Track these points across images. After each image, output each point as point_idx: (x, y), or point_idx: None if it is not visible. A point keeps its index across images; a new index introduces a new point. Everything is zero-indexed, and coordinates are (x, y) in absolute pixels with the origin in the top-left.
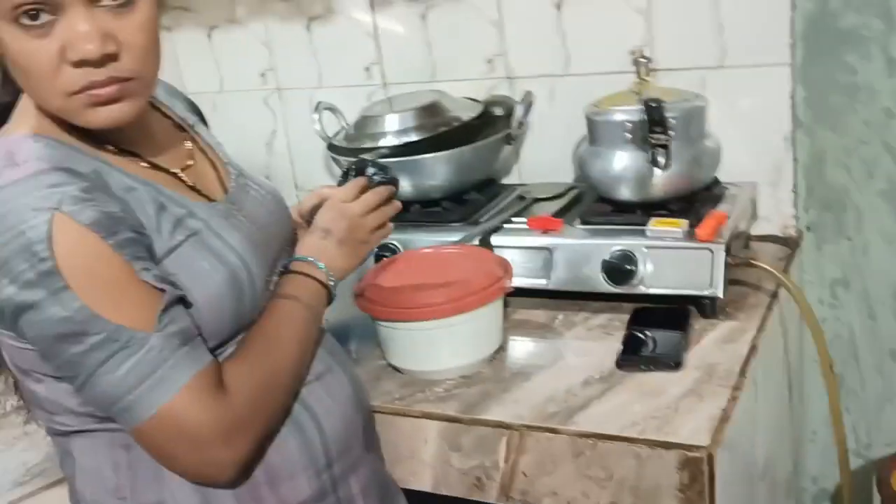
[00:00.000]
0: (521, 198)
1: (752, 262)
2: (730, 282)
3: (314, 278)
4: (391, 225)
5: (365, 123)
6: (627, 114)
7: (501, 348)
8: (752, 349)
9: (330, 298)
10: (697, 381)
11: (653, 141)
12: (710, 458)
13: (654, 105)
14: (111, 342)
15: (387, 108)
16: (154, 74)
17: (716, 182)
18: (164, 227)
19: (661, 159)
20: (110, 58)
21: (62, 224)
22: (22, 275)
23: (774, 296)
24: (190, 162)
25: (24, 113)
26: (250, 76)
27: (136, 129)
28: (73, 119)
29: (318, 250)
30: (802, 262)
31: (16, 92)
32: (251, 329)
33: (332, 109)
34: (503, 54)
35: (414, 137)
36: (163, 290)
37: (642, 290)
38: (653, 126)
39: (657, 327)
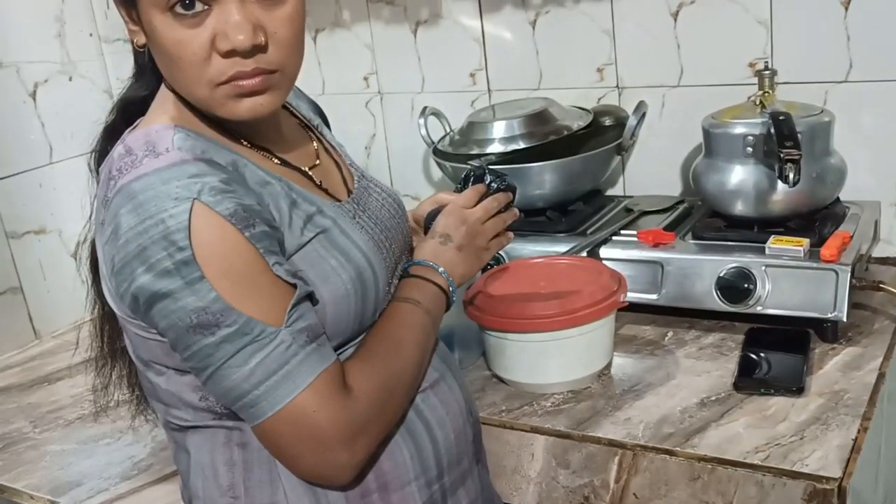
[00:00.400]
0: (628, 210)
1: (882, 285)
2: (852, 305)
3: (434, 283)
4: (511, 234)
5: (472, 129)
6: (749, 127)
7: (610, 364)
8: (880, 377)
9: (448, 304)
10: (823, 409)
11: (783, 155)
12: (842, 491)
13: (782, 118)
14: (242, 335)
15: (494, 114)
16: (297, 68)
17: (836, 200)
18: (296, 222)
19: (791, 175)
20: (259, 49)
21: (201, 214)
22: (159, 263)
23: None
24: (317, 161)
25: (163, 105)
26: (353, 79)
27: (268, 126)
28: (215, 110)
29: (438, 255)
30: None
31: (150, 86)
32: (372, 330)
33: (438, 115)
34: (613, 63)
35: (522, 145)
36: (294, 286)
37: (759, 310)
38: (782, 140)
39: (775, 349)
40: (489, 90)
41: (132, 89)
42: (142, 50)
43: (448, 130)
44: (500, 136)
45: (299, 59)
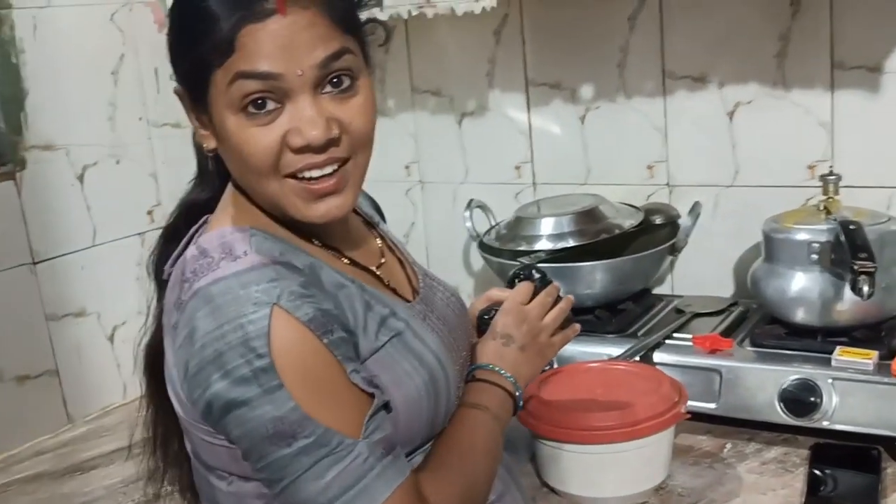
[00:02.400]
0: (679, 311)
1: None
2: None
3: (502, 387)
4: (578, 325)
5: (519, 224)
6: (814, 234)
7: (669, 476)
8: None
9: (516, 409)
10: None
11: (857, 268)
12: None
13: (853, 228)
14: (320, 446)
15: (543, 209)
16: (368, 160)
17: None
18: (371, 326)
19: (865, 287)
20: (332, 143)
21: (281, 320)
22: (237, 370)
23: None
24: (382, 260)
25: (233, 208)
26: (394, 167)
27: (337, 225)
28: (287, 209)
29: (501, 358)
30: None
31: (213, 189)
32: (442, 438)
33: (483, 207)
34: (665, 160)
35: (571, 242)
36: (371, 395)
37: (825, 425)
38: (856, 251)
39: (844, 468)
40: (534, 183)
41: (194, 192)
42: (212, 155)
43: (493, 223)
44: (548, 233)
45: (370, 150)
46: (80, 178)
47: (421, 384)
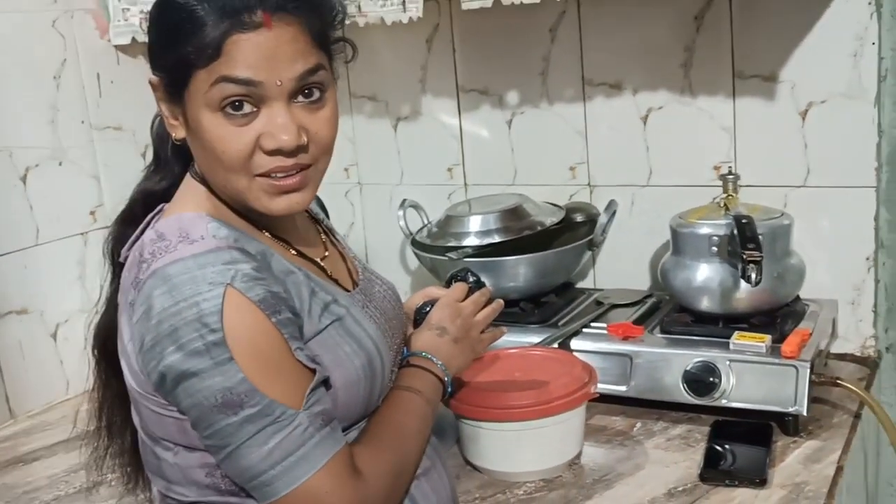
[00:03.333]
0: (599, 303)
1: (839, 381)
2: (812, 400)
3: (433, 374)
4: (504, 328)
5: (449, 222)
6: (714, 227)
7: (581, 453)
8: (839, 470)
9: (444, 394)
10: (785, 500)
11: (745, 257)
12: None
13: (745, 221)
14: (264, 416)
15: (471, 208)
16: (328, 164)
17: (796, 298)
18: (314, 310)
19: (753, 275)
20: (301, 148)
21: (233, 299)
22: (190, 343)
23: (857, 416)
24: (326, 253)
25: (192, 196)
26: (334, 169)
27: (288, 219)
28: (251, 202)
29: (435, 347)
30: (881, 382)
31: (170, 178)
32: (377, 416)
33: (416, 207)
34: (585, 162)
35: (497, 239)
36: (313, 371)
37: (724, 403)
38: (745, 242)
39: (739, 442)
40: (465, 184)
41: (151, 181)
42: (179, 143)
43: (426, 222)
44: (476, 230)
45: (331, 156)
46: (23, 178)
47: (359, 366)
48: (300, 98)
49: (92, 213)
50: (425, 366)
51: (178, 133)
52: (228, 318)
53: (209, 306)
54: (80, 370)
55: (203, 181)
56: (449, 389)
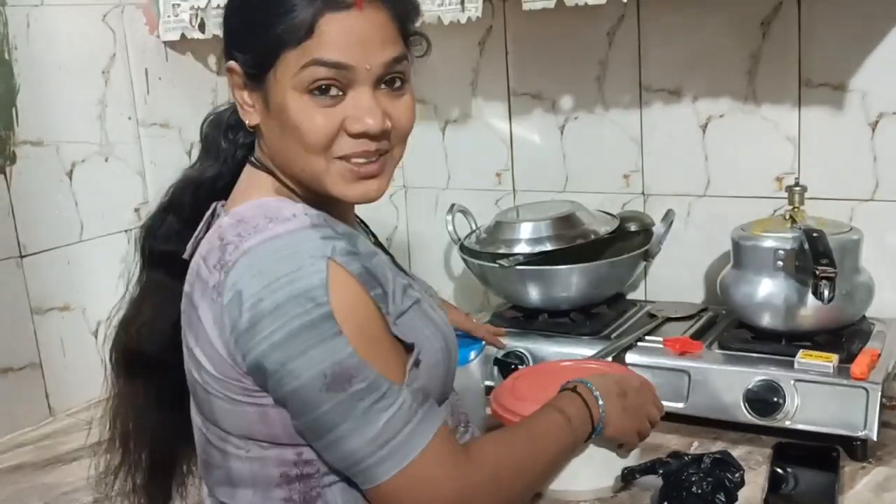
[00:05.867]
0: (651, 315)
1: None
2: (881, 424)
3: (589, 408)
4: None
5: (499, 229)
6: (780, 241)
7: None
8: None
9: (588, 438)
10: None
11: (818, 273)
12: None
13: (816, 235)
14: (372, 391)
15: (522, 215)
16: (403, 153)
17: (862, 317)
18: (397, 291)
19: (826, 292)
20: (384, 134)
21: (336, 272)
22: (295, 319)
23: None
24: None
25: (260, 186)
26: None
27: (350, 215)
28: (328, 186)
29: (606, 392)
30: None
31: (216, 168)
32: (520, 421)
33: (465, 212)
34: (640, 170)
35: (549, 247)
36: (411, 346)
37: (787, 424)
38: (818, 257)
39: (804, 466)
40: (514, 190)
41: (197, 170)
42: (252, 130)
43: (473, 228)
44: (527, 237)
45: (405, 146)
46: (69, 174)
47: (439, 349)
48: (383, 86)
49: (136, 210)
50: (585, 396)
51: (253, 119)
52: (334, 291)
53: (314, 280)
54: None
55: (266, 170)
56: (593, 437)
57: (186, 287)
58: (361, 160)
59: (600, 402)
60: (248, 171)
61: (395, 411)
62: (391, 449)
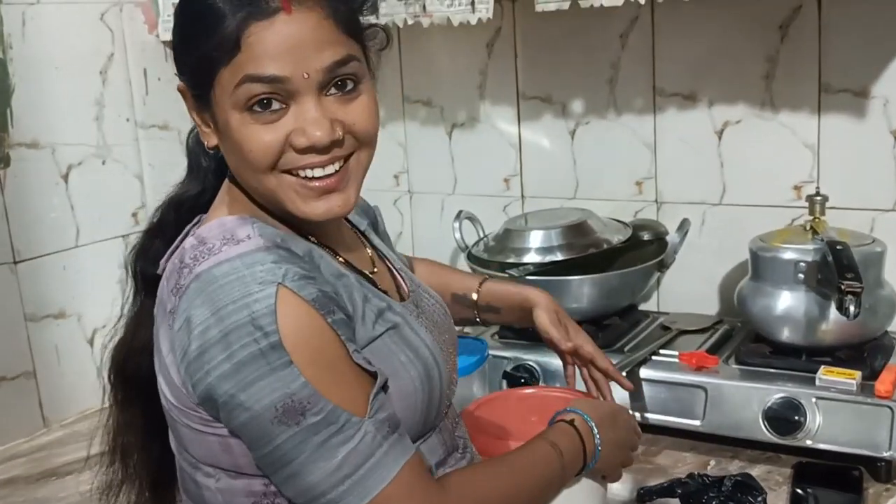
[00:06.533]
0: (665, 328)
1: None
2: None
3: (584, 445)
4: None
5: (508, 236)
6: (800, 253)
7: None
8: None
9: (580, 471)
10: None
11: (844, 287)
12: None
13: (840, 248)
14: (329, 424)
15: (532, 222)
16: (370, 158)
17: (884, 332)
18: (368, 316)
19: (852, 308)
20: (336, 143)
21: (287, 298)
22: (242, 350)
23: None
24: (374, 269)
25: (231, 201)
26: (383, 176)
27: (332, 227)
28: (287, 206)
29: (601, 426)
30: None
31: (201, 185)
32: (505, 454)
33: (472, 219)
34: (653, 177)
35: (559, 256)
36: (374, 374)
37: (808, 443)
38: (843, 271)
39: (826, 487)
40: (522, 196)
41: (180, 189)
42: (212, 152)
43: (481, 235)
44: (537, 246)
45: (373, 149)
46: (65, 177)
47: (416, 376)
48: (332, 90)
49: (134, 214)
50: (581, 429)
51: (211, 140)
52: (283, 318)
53: (261, 307)
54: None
55: (241, 188)
56: (584, 472)
57: (154, 309)
58: (317, 172)
59: (596, 437)
60: (224, 187)
61: (356, 444)
62: (352, 483)
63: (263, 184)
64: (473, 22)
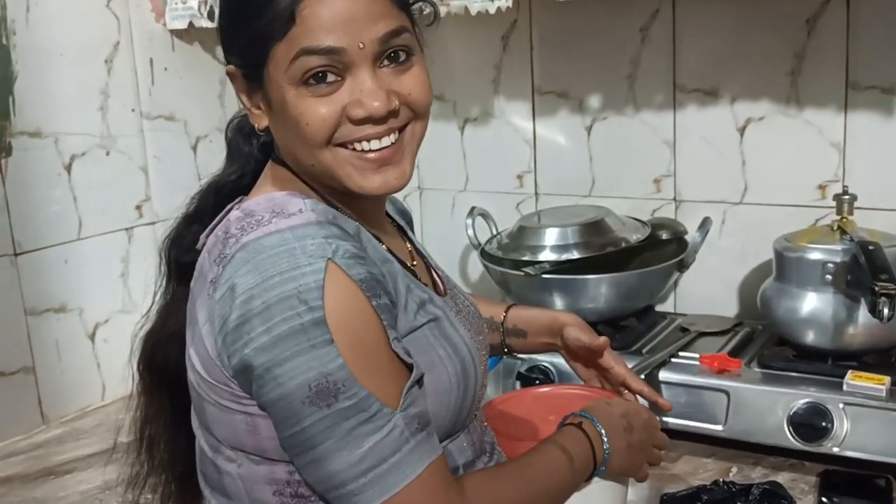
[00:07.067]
0: (684, 329)
1: None
2: None
3: (594, 452)
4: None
5: (522, 234)
6: (828, 253)
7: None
8: None
9: (591, 476)
10: None
11: (878, 289)
12: None
13: (872, 249)
14: (359, 411)
15: (548, 220)
16: (424, 130)
17: None
18: (410, 305)
19: (886, 310)
20: (392, 114)
21: (335, 275)
22: (284, 322)
23: None
24: (413, 262)
25: (277, 179)
26: None
27: (376, 215)
28: (344, 181)
29: (612, 431)
30: None
31: (241, 170)
32: (516, 458)
33: (486, 216)
34: (672, 175)
35: (576, 255)
36: (410, 367)
37: (835, 451)
38: (876, 272)
39: (853, 496)
40: (536, 193)
41: (221, 175)
42: (262, 133)
43: (494, 232)
44: (552, 244)
45: (427, 122)
46: (68, 168)
47: (453, 372)
48: (386, 62)
49: (138, 207)
50: (590, 434)
51: (262, 122)
52: (329, 295)
53: (309, 281)
54: (118, 374)
55: (287, 166)
56: (595, 476)
57: (192, 282)
58: (373, 145)
59: (605, 443)
60: (270, 166)
61: (384, 436)
62: (374, 477)
63: (319, 159)
64: (492, 11)
